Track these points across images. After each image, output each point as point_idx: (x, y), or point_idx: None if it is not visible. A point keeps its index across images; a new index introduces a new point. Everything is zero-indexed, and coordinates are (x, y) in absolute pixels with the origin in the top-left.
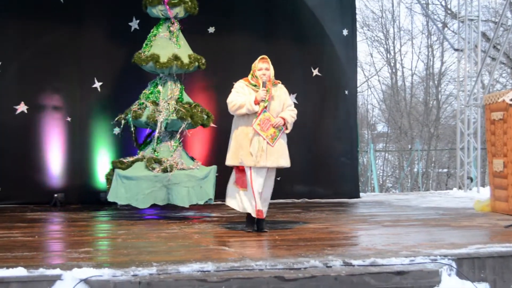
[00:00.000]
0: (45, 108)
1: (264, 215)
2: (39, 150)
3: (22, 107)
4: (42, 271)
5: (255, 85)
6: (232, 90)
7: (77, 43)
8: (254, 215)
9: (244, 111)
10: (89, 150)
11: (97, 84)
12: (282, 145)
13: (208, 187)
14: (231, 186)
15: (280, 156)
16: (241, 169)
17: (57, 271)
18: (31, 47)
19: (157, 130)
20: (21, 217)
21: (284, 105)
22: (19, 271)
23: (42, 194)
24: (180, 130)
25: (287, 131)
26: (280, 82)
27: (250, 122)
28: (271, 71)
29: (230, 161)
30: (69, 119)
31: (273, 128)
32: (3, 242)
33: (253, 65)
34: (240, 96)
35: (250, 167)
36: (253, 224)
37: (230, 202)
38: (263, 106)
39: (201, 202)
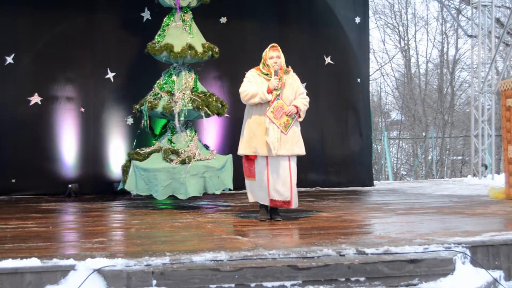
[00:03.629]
0: (59, 99)
1: (293, 205)
2: (53, 141)
3: (35, 99)
4: (55, 262)
5: (267, 74)
6: (244, 79)
7: (90, 34)
8: (266, 203)
9: (257, 100)
10: (103, 140)
11: (110, 75)
12: (296, 133)
13: (225, 177)
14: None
15: (294, 144)
16: (250, 159)
17: (70, 262)
18: (44, 39)
19: (176, 120)
20: (36, 207)
21: (296, 93)
22: (33, 262)
23: (56, 185)
24: (194, 118)
25: (300, 119)
26: (291, 70)
27: (263, 111)
28: (282, 59)
29: (242, 150)
30: (82, 109)
31: (286, 116)
32: (17, 232)
33: (263, 53)
34: (253, 85)
35: (267, 157)
36: (266, 213)
37: (248, 194)
38: (276, 94)
39: (218, 192)
